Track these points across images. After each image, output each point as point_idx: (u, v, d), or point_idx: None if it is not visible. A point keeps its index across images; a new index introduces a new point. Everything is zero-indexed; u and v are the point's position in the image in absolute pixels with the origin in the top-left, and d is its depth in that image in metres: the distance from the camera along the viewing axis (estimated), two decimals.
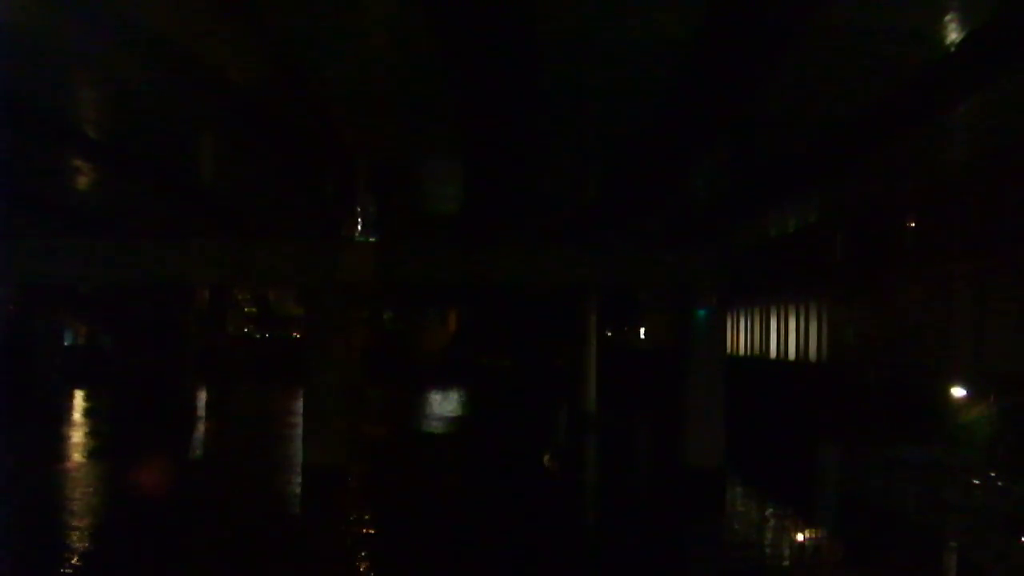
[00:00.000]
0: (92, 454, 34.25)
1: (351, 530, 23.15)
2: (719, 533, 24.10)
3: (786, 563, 21.21)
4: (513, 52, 15.62)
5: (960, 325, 27.91)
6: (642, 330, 67.00)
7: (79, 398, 54.34)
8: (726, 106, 17.95)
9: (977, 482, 22.25)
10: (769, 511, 27.25)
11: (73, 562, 19.24)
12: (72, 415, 47.96)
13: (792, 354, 40.80)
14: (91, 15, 14.35)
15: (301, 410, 28.85)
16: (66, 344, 61.70)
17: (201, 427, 43.12)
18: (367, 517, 24.88)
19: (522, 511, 25.31)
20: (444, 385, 65.77)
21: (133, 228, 31.11)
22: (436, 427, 45.52)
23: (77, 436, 40.05)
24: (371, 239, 32.42)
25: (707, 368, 27.62)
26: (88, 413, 50.08)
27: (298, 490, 26.82)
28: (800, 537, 23.95)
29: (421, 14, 14.22)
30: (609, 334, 66.31)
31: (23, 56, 15.61)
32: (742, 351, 48.05)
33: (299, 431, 29.97)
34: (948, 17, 13.75)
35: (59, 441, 37.28)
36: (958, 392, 25.44)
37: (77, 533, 21.70)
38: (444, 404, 56.44)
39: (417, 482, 30.26)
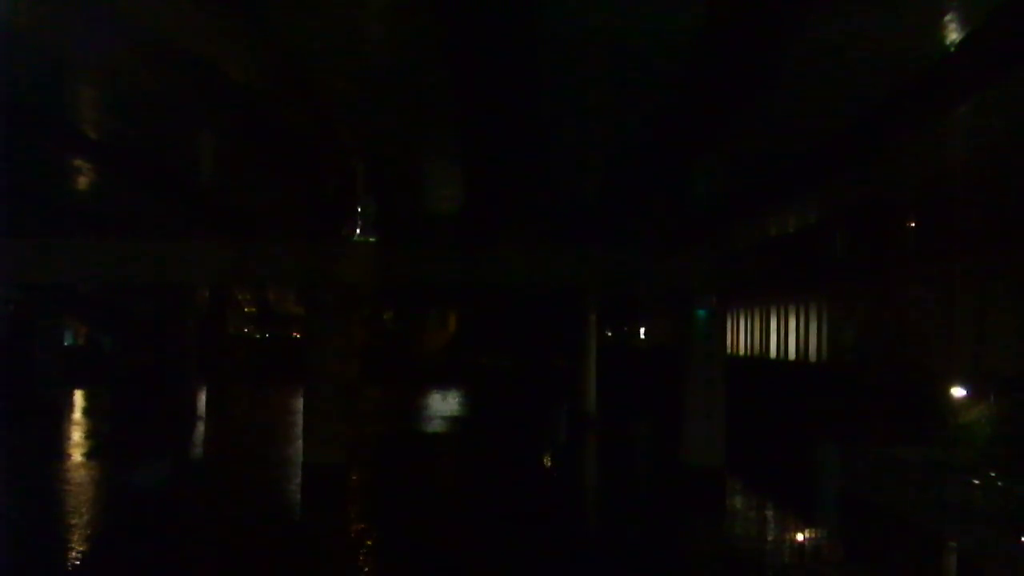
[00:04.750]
0: (91, 454, 34.22)
1: (351, 529, 23.15)
2: (719, 532, 24.11)
3: (786, 563, 21.20)
4: (513, 53, 15.63)
5: (960, 325, 27.93)
6: (642, 330, 66.96)
7: (79, 398, 54.30)
8: (726, 106, 17.96)
9: (977, 482, 22.24)
10: (769, 511, 27.27)
11: (73, 561, 19.25)
12: (72, 415, 47.92)
13: (792, 354, 40.82)
14: (91, 16, 14.37)
15: (301, 410, 28.86)
16: (66, 344, 61.56)
17: (201, 427, 43.09)
18: (367, 516, 24.88)
19: (522, 511, 25.31)
20: (444, 385, 65.71)
21: (133, 228, 31.11)
22: (436, 427, 45.49)
23: (77, 436, 40.03)
24: (371, 239, 32.41)
25: (707, 368, 27.61)
26: (88, 413, 50.07)
27: (298, 489, 26.83)
28: (800, 537, 23.97)
29: (421, 13, 14.23)
30: (609, 334, 66.27)
31: (24, 56, 15.62)
32: (742, 351, 48.04)
33: (299, 430, 29.98)
34: (948, 17, 13.75)
35: (59, 441, 37.28)
36: (958, 392, 25.44)
37: (76, 532, 21.69)
38: (444, 404, 56.40)
39: (417, 482, 30.29)
